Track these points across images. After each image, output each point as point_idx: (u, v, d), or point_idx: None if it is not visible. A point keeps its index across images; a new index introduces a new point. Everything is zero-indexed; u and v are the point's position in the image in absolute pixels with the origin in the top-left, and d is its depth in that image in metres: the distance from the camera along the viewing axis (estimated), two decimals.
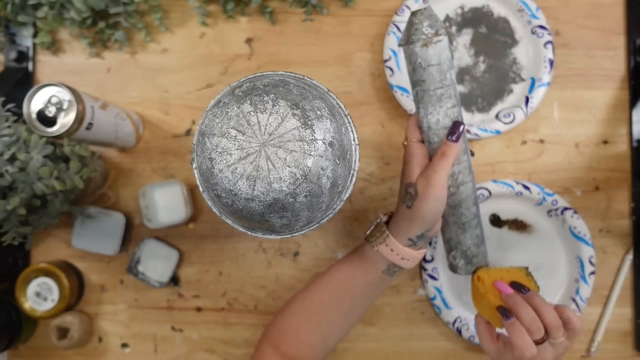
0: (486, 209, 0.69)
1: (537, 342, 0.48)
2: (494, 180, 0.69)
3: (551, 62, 0.68)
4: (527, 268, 0.54)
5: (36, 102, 0.56)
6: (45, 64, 0.72)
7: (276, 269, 0.71)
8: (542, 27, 0.69)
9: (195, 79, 0.72)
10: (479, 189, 0.68)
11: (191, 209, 0.68)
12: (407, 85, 0.68)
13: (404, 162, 0.53)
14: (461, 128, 0.49)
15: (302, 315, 0.57)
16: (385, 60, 0.68)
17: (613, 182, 0.71)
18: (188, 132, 0.72)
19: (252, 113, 0.42)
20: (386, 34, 0.69)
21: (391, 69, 0.68)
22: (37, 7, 0.68)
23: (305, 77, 0.48)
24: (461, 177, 0.51)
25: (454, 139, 0.49)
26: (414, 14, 0.48)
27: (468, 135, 0.67)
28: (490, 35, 0.71)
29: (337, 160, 0.44)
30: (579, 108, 0.71)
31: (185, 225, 0.71)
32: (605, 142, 0.71)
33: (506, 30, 0.71)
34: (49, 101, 0.56)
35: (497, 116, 0.69)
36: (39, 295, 0.67)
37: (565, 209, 0.68)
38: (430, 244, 0.69)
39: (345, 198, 0.48)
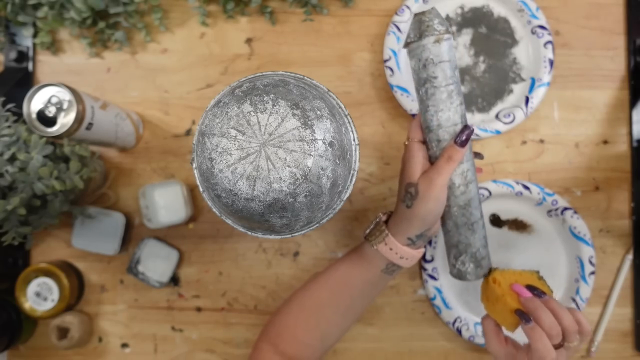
0: (486, 209, 0.69)
1: (555, 347, 0.48)
2: (494, 180, 0.69)
3: (551, 62, 0.68)
4: (538, 272, 0.54)
5: (36, 102, 0.56)
6: (45, 64, 0.72)
7: (276, 269, 0.71)
8: (542, 27, 0.69)
9: (195, 79, 0.72)
10: (479, 189, 0.68)
11: (191, 209, 0.68)
12: (407, 85, 0.68)
13: (403, 161, 0.53)
14: (468, 133, 0.49)
15: (300, 314, 0.57)
16: (385, 60, 0.68)
17: (613, 182, 0.71)
18: (188, 132, 0.72)
19: (252, 113, 0.42)
20: (386, 34, 0.69)
21: (391, 69, 0.68)
22: (37, 7, 0.68)
23: (305, 77, 0.48)
24: (469, 175, 0.52)
25: (460, 143, 0.49)
26: (422, 13, 0.48)
27: None
28: (490, 35, 0.71)
29: (337, 160, 0.44)
30: (579, 108, 0.71)
31: (185, 225, 0.71)
32: (605, 142, 0.71)
33: (506, 30, 0.71)
34: (49, 101, 0.56)
35: (497, 116, 0.69)
36: (39, 295, 0.67)
37: (565, 209, 0.68)
38: (430, 243, 0.69)
39: (345, 198, 0.48)
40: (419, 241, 0.53)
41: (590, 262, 0.67)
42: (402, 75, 0.69)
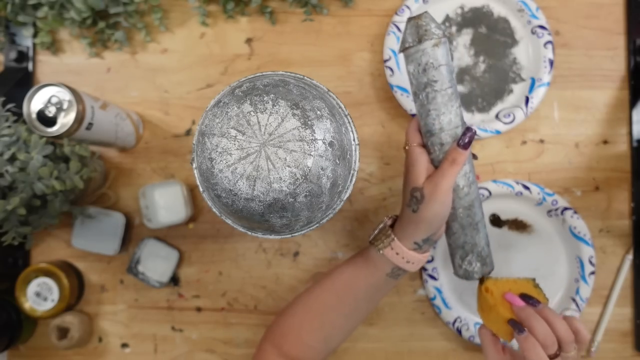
0: (486, 209, 0.69)
1: (551, 357, 0.47)
2: (494, 180, 0.69)
3: (551, 62, 0.68)
4: (534, 279, 0.53)
5: (36, 102, 0.56)
6: (45, 64, 0.72)
7: (276, 269, 0.71)
8: (542, 27, 0.69)
9: (195, 79, 0.72)
10: (479, 188, 0.68)
11: (191, 209, 0.68)
12: (407, 85, 0.68)
13: (406, 166, 0.53)
14: (471, 135, 0.49)
15: (305, 316, 0.57)
16: (385, 60, 0.68)
17: (613, 182, 0.71)
18: (188, 132, 0.72)
19: (252, 113, 0.42)
20: (386, 34, 0.69)
21: (391, 69, 0.68)
22: (37, 7, 0.68)
23: (305, 77, 0.48)
24: (471, 176, 0.52)
25: (462, 146, 0.49)
26: (417, 17, 0.48)
27: None
28: (490, 35, 0.71)
29: (337, 160, 0.44)
30: (579, 108, 0.71)
31: (185, 225, 0.71)
32: (605, 142, 0.71)
33: (506, 30, 0.71)
34: (49, 101, 0.56)
35: (497, 116, 0.69)
36: (39, 295, 0.67)
37: (565, 209, 0.68)
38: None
39: (345, 198, 0.48)
40: (425, 245, 0.53)
41: (590, 262, 0.67)
42: (402, 75, 0.69)
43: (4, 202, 0.54)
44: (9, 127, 0.56)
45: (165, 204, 0.66)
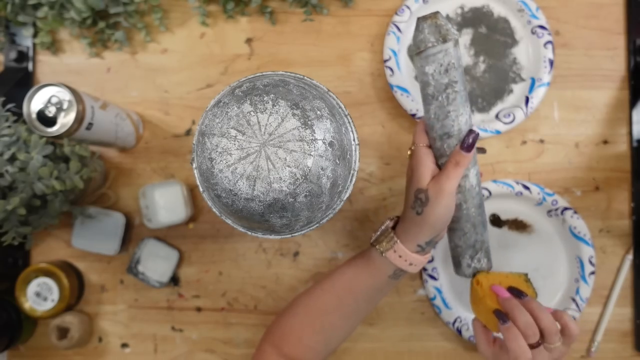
0: (486, 209, 0.69)
1: (532, 346, 0.48)
2: (494, 180, 0.69)
3: (551, 62, 0.68)
4: (526, 274, 0.54)
5: (36, 102, 0.56)
6: (45, 64, 0.72)
7: (276, 269, 0.71)
8: (542, 27, 0.69)
9: (195, 79, 0.72)
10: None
11: (191, 209, 0.68)
12: (407, 85, 0.68)
13: (411, 167, 0.52)
14: (473, 137, 0.49)
15: (305, 317, 0.57)
16: (385, 60, 0.68)
17: (613, 182, 0.71)
18: (188, 132, 0.72)
19: (252, 113, 0.42)
20: (386, 34, 0.69)
21: (391, 69, 0.68)
22: (37, 7, 0.68)
23: (305, 77, 0.48)
24: (478, 176, 0.52)
25: (466, 149, 0.49)
26: (433, 17, 0.47)
27: None
28: (490, 35, 0.71)
29: (337, 160, 0.44)
30: (579, 108, 0.71)
31: (185, 225, 0.71)
32: (605, 142, 0.71)
33: (506, 30, 0.71)
34: (49, 101, 0.56)
35: (497, 116, 0.69)
36: (39, 295, 0.67)
37: (565, 209, 0.68)
38: None
39: (345, 198, 0.48)
40: (428, 247, 0.53)
41: (590, 262, 0.67)
42: (402, 75, 0.69)
43: (4, 202, 0.54)
44: (9, 127, 0.56)
45: (165, 204, 0.66)
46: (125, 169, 0.71)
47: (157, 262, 0.69)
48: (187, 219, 0.68)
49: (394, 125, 0.71)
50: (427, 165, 0.51)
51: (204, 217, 0.71)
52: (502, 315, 0.50)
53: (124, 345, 0.71)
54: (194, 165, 0.46)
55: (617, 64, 0.71)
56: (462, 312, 0.69)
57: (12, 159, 0.55)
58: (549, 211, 0.69)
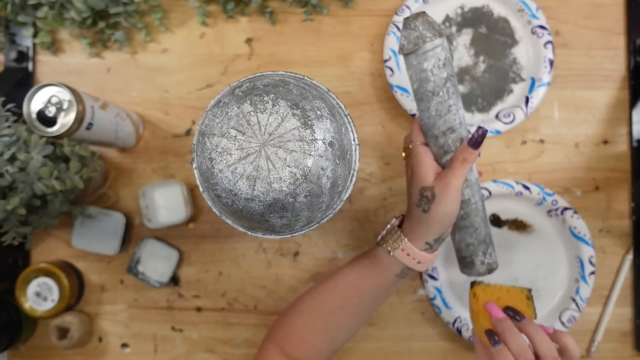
0: (487, 209, 0.69)
1: None
2: (494, 180, 0.69)
3: (551, 62, 0.68)
4: (529, 290, 0.51)
5: (36, 102, 0.56)
6: (45, 64, 0.72)
7: (276, 269, 0.71)
8: (542, 27, 0.69)
9: (195, 79, 0.72)
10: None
11: (191, 209, 0.68)
12: (407, 85, 0.68)
13: (411, 166, 0.52)
14: (482, 133, 0.48)
15: (309, 317, 0.57)
16: (385, 60, 0.68)
17: (613, 182, 0.71)
18: (188, 132, 0.72)
19: (252, 113, 0.42)
20: (386, 34, 0.69)
21: (391, 69, 0.68)
22: (37, 7, 0.68)
23: (305, 77, 0.48)
24: (476, 168, 0.53)
25: (476, 145, 0.49)
26: (422, 15, 0.48)
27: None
28: (490, 35, 0.71)
29: (337, 160, 0.44)
30: (579, 108, 0.71)
31: (185, 225, 0.71)
32: (605, 142, 0.71)
33: (506, 30, 0.71)
34: (49, 101, 0.56)
35: (497, 116, 0.69)
36: (39, 295, 0.67)
37: (565, 209, 0.68)
38: None
39: (345, 198, 0.48)
40: (436, 245, 0.52)
41: (590, 262, 0.67)
42: (402, 75, 0.69)
43: (4, 202, 0.54)
44: (9, 127, 0.56)
45: (165, 204, 0.66)
46: (125, 169, 0.71)
47: (157, 262, 0.69)
48: (187, 219, 0.68)
49: (394, 125, 0.71)
50: (427, 163, 0.51)
51: (204, 217, 0.71)
52: (493, 337, 0.48)
53: (124, 345, 0.71)
54: (194, 165, 0.46)
55: (617, 64, 0.71)
56: (462, 312, 0.69)
57: (12, 159, 0.55)
58: (549, 211, 0.69)
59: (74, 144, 0.59)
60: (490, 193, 0.68)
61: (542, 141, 0.71)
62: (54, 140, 0.59)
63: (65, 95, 0.56)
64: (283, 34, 0.72)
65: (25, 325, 0.68)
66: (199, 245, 0.71)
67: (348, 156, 0.46)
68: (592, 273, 0.67)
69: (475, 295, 0.53)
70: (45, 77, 0.72)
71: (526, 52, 0.70)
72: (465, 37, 0.71)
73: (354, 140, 0.48)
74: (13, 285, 0.67)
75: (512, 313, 0.50)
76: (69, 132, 0.57)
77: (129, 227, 0.70)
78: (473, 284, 0.54)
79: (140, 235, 0.71)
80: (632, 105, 0.71)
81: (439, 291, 0.69)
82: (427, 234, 0.51)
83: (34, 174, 0.56)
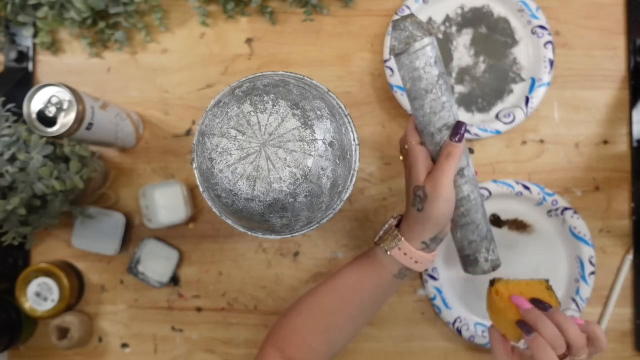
0: (486, 209, 0.69)
1: (560, 357, 0.47)
2: (494, 180, 0.69)
3: (551, 62, 0.68)
4: (547, 280, 0.53)
5: (36, 102, 0.56)
6: (45, 64, 0.72)
7: (276, 269, 0.71)
8: (542, 27, 0.69)
9: (195, 79, 0.72)
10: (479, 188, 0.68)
11: (191, 209, 0.68)
12: None
13: (408, 166, 0.53)
14: (464, 127, 0.49)
15: (309, 318, 0.57)
16: (385, 60, 0.68)
17: (613, 182, 0.71)
18: (188, 132, 0.72)
19: (252, 113, 0.42)
20: (386, 34, 0.69)
21: (391, 69, 0.68)
22: (37, 7, 0.68)
23: (305, 77, 0.48)
24: (472, 171, 0.53)
25: (457, 139, 0.49)
26: (411, 16, 0.49)
27: (468, 136, 0.67)
28: (490, 35, 0.71)
29: (337, 160, 0.44)
30: (579, 108, 0.71)
31: (185, 225, 0.71)
32: (605, 142, 0.71)
33: (506, 30, 0.71)
34: (49, 101, 0.56)
35: (497, 116, 0.69)
36: (39, 295, 0.67)
37: (565, 209, 0.68)
38: None
39: (345, 198, 0.48)
40: (433, 244, 0.53)
41: (590, 262, 0.67)
42: None
43: (4, 202, 0.54)
44: (9, 127, 0.56)
45: (165, 204, 0.66)
46: (125, 169, 0.71)
47: (157, 262, 0.69)
48: (187, 219, 0.68)
49: (394, 125, 0.71)
50: (422, 162, 0.51)
51: (204, 217, 0.71)
52: (525, 327, 0.49)
53: (124, 345, 0.71)
54: (194, 165, 0.46)
55: (617, 64, 0.71)
56: (462, 312, 0.69)
57: (12, 159, 0.55)
58: (549, 211, 0.69)
59: (74, 144, 0.59)
60: (490, 193, 0.68)
61: (542, 141, 0.71)
62: (54, 140, 0.59)
63: (65, 95, 0.56)
64: (283, 34, 0.72)
65: (25, 325, 0.68)
66: (199, 245, 0.71)
67: (348, 156, 0.46)
68: (592, 273, 0.67)
69: (497, 292, 0.53)
70: (45, 77, 0.72)
71: (526, 52, 0.70)
72: (465, 37, 0.71)
73: (354, 140, 0.48)
74: (13, 285, 0.67)
75: (538, 303, 0.50)
76: (69, 132, 0.57)
77: (129, 227, 0.70)
78: (492, 282, 0.54)
79: (140, 235, 0.71)
80: (632, 105, 0.71)
81: (439, 291, 0.69)
82: (423, 233, 0.51)
83: (34, 174, 0.56)
